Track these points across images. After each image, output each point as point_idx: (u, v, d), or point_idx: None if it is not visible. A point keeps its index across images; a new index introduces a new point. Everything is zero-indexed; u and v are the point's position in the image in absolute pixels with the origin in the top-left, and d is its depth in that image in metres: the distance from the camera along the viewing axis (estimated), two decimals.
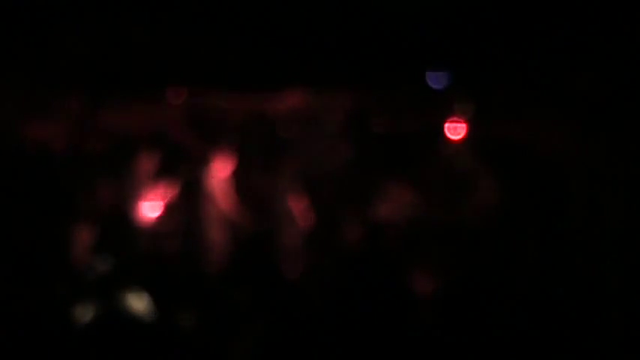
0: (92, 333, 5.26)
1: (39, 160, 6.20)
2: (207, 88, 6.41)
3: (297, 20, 5.69)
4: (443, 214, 5.99)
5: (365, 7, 5.61)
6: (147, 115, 6.43)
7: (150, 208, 6.10)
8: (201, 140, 6.40)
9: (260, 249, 6.08)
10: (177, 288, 5.77)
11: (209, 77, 6.23)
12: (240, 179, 6.23)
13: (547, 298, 5.52)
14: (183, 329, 5.48)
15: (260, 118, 6.60)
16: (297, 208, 6.14)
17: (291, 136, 6.53)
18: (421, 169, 6.24)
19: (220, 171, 6.20)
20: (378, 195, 6.15)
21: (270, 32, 5.82)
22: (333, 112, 6.52)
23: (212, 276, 5.95)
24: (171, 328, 5.47)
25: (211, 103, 6.51)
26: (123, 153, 6.26)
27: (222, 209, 6.14)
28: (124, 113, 6.36)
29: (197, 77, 6.24)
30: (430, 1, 5.54)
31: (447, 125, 6.25)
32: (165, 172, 6.21)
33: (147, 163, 6.19)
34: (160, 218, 6.11)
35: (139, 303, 5.42)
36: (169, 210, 6.15)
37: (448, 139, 6.26)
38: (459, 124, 6.23)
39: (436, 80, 6.21)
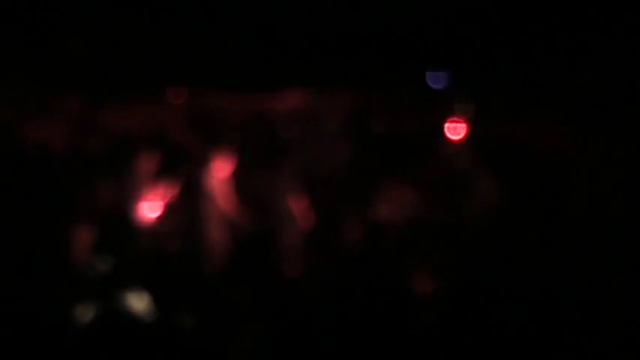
0: (92, 333, 5.25)
1: (39, 160, 6.21)
2: (207, 88, 6.42)
3: (297, 20, 5.70)
4: (443, 214, 6.00)
5: (365, 7, 5.61)
6: (147, 115, 6.45)
7: (150, 208, 6.10)
8: (201, 140, 6.40)
9: (260, 249, 6.08)
10: (177, 288, 5.76)
11: (209, 77, 6.24)
12: (240, 179, 6.24)
13: (547, 298, 5.52)
14: (183, 329, 5.47)
15: (260, 118, 6.62)
16: (298, 207, 6.14)
17: (291, 136, 6.55)
18: (421, 169, 6.25)
19: (220, 171, 6.20)
20: (378, 195, 6.16)
21: (270, 33, 5.83)
22: (333, 112, 6.53)
23: (212, 276, 5.95)
24: (171, 328, 5.46)
25: (211, 103, 6.52)
26: (123, 153, 6.27)
27: (222, 209, 6.14)
28: (124, 113, 6.38)
29: (197, 77, 6.25)
30: (430, 2, 5.54)
31: (447, 125, 6.27)
32: (165, 172, 6.21)
33: (147, 163, 6.19)
34: (159, 218, 6.12)
35: (139, 303, 5.41)
36: (169, 210, 6.15)
37: (448, 139, 6.27)
38: (459, 124, 6.24)
39: (436, 80, 6.22)
